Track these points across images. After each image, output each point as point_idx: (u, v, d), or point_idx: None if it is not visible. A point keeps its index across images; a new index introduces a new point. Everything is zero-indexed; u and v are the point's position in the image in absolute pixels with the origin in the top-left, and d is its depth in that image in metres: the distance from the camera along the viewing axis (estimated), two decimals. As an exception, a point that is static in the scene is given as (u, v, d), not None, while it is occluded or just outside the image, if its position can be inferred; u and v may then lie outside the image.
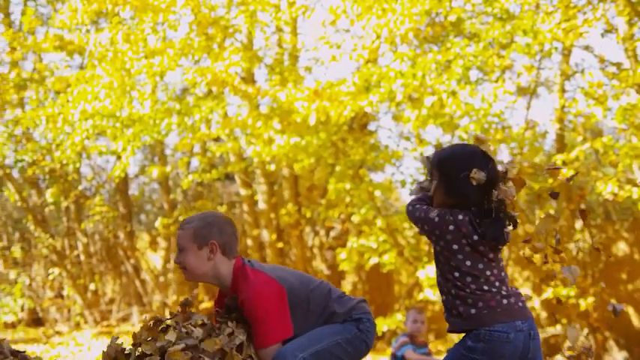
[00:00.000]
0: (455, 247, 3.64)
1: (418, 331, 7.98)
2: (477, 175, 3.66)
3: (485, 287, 3.64)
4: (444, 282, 3.69)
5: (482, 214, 3.65)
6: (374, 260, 13.31)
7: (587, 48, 13.09)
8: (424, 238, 14.45)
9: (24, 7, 15.62)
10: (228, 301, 4.05)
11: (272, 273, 4.05)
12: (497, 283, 3.68)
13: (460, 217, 3.64)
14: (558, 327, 13.29)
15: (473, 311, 3.61)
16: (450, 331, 3.73)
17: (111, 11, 12.79)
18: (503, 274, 3.73)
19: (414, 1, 11.05)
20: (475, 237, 3.65)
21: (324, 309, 4.07)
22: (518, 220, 3.75)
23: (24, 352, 4.25)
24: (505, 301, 3.66)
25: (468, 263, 3.64)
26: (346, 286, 15.84)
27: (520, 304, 3.71)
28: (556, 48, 12.28)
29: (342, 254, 13.68)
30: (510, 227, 3.72)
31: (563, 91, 13.03)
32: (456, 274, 3.64)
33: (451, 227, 3.64)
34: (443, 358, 3.80)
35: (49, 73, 14.87)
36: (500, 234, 3.67)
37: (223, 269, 4.04)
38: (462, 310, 3.62)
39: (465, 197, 3.68)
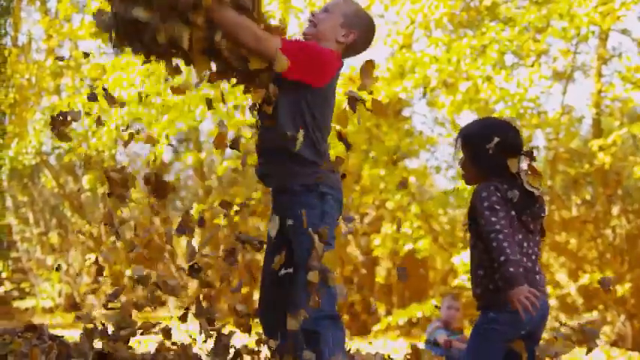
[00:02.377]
0: (512, 212, 3.64)
1: (453, 317, 7.98)
2: (495, 142, 3.66)
3: (524, 260, 3.63)
4: (487, 256, 3.64)
5: (511, 184, 3.65)
6: (408, 246, 13.30)
7: (624, 31, 12.95)
8: (459, 225, 14.41)
9: (60, -5, 15.73)
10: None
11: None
12: (533, 257, 3.67)
13: (505, 186, 3.64)
14: (594, 313, 13.20)
15: None
16: (481, 307, 3.70)
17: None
18: (537, 249, 3.72)
19: (448, -14, 11.01)
20: (518, 206, 3.65)
21: (313, 144, 3.79)
22: (540, 190, 3.72)
23: (62, 337, 4.30)
24: (538, 277, 3.67)
25: (520, 235, 3.64)
26: (380, 272, 15.84)
27: (543, 283, 3.72)
28: (593, 32, 12.15)
29: (377, 240, 13.68)
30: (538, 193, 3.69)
31: (599, 75, 12.91)
32: None
33: (501, 194, 3.62)
34: (469, 337, 3.78)
35: (84, 61, 14.97)
36: (532, 203, 3.67)
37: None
38: (502, 284, 3.60)
39: (493, 168, 3.68)
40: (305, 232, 3.68)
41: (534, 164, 3.72)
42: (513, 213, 3.63)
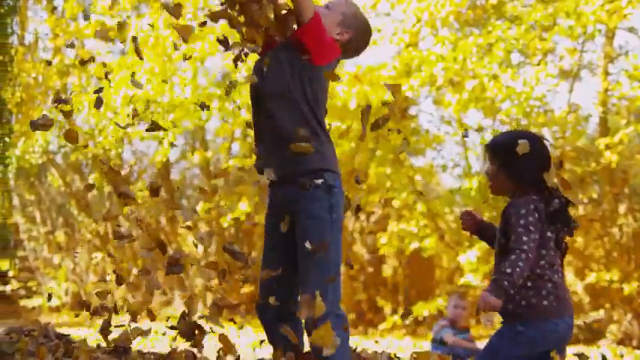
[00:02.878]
0: (548, 234, 3.61)
1: (459, 316, 7.98)
2: (523, 147, 3.62)
3: (555, 277, 3.60)
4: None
5: (548, 198, 3.62)
6: (414, 245, 13.29)
7: (631, 30, 12.92)
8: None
9: (66, -6, 15.75)
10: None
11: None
12: (560, 274, 3.64)
13: (542, 204, 3.60)
14: (601, 312, 13.18)
15: (545, 303, 3.56)
16: (507, 318, 3.66)
17: (152, -3, 12.85)
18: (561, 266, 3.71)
19: (454, -16, 11.02)
20: (558, 224, 3.62)
21: (314, 114, 3.83)
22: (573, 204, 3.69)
23: (68, 335, 4.31)
24: (567, 295, 3.64)
25: (552, 252, 3.62)
26: (387, 271, 15.83)
27: (571, 302, 3.70)
28: (599, 30, 12.14)
29: (383, 239, 13.67)
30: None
31: (606, 73, 12.88)
32: (542, 262, 3.60)
33: (539, 214, 3.59)
34: (488, 340, 3.76)
35: (90, 59, 14.98)
36: (570, 218, 3.65)
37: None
38: (535, 302, 3.56)
39: (525, 177, 3.65)
40: (311, 216, 3.69)
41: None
42: (550, 234, 3.60)
